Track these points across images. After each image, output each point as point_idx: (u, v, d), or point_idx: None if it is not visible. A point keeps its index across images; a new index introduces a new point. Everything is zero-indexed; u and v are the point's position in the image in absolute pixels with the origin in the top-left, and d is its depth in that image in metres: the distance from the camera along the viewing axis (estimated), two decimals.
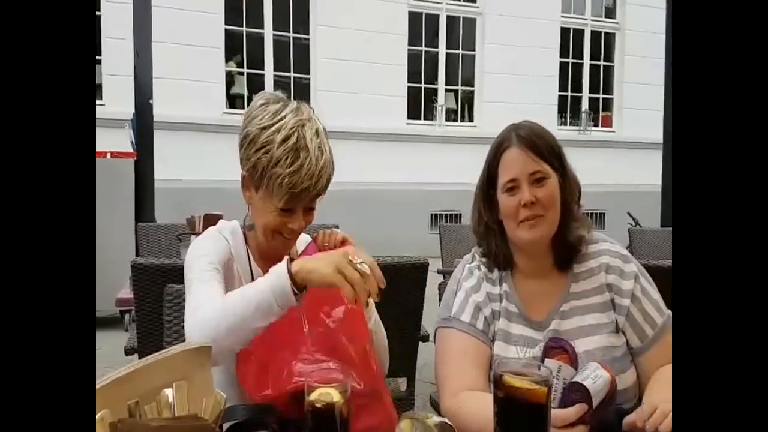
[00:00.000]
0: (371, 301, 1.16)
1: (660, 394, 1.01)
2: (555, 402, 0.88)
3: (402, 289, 1.68)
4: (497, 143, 1.15)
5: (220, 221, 1.21)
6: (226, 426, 0.91)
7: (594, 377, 0.89)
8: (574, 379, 0.90)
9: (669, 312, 1.15)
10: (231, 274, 1.13)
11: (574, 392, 0.88)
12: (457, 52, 7.43)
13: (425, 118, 7.36)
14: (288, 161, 1.03)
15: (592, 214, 7.53)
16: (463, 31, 7.44)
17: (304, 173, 1.03)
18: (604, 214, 7.53)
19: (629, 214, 5.64)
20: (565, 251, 1.15)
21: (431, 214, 7.08)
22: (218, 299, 0.98)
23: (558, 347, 0.96)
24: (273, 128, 1.05)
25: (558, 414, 0.85)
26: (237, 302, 0.94)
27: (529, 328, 1.14)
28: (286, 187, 1.04)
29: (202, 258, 1.09)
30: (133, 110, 4.33)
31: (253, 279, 1.14)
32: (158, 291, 1.48)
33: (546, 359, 0.95)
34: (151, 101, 4.29)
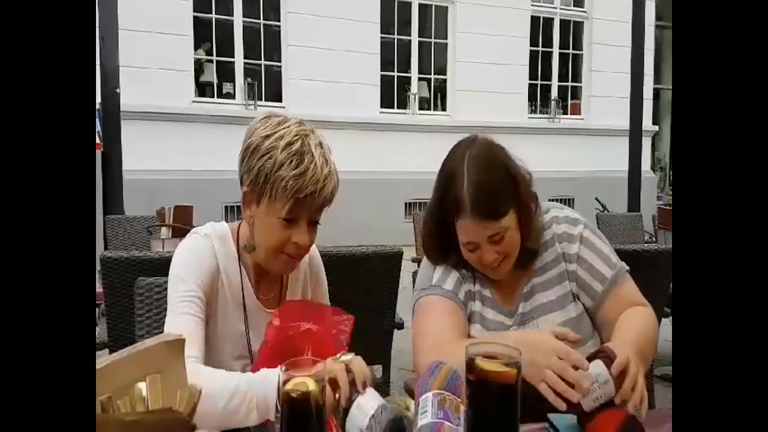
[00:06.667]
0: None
1: (626, 335, 1.02)
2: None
3: (376, 277, 1.70)
4: (450, 197, 1.06)
5: (210, 223, 1.16)
6: None
7: (606, 381, 0.88)
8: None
9: (622, 265, 1.16)
10: (214, 288, 1.09)
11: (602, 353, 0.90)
12: (429, 40, 7.43)
13: (399, 107, 7.36)
14: (292, 164, 1.00)
15: (561, 200, 7.69)
16: (435, 20, 7.43)
17: (308, 177, 1.00)
18: (572, 199, 7.68)
19: (597, 199, 5.78)
20: (527, 256, 1.14)
21: (405, 203, 7.11)
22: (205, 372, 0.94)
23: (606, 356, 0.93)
24: (276, 135, 1.02)
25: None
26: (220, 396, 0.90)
27: (501, 314, 1.16)
28: (291, 190, 1.00)
29: (179, 283, 1.05)
30: (99, 99, 4.21)
31: (243, 296, 1.12)
32: (128, 284, 1.45)
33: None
34: (117, 90, 4.17)
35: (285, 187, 1.00)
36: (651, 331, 1.09)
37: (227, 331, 1.10)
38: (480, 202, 1.03)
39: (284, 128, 1.04)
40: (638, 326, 1.07)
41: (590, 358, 0.92)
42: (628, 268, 1.17)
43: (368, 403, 0.88)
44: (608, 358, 0.90)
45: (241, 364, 1.10)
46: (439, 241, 1.14)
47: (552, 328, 1.00)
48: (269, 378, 0.91)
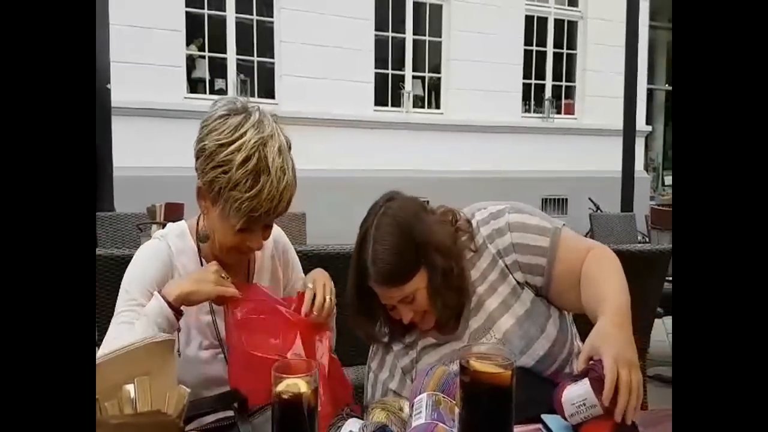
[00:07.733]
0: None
1: (608, 303, 0.96)
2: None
3: None
4: (361, 260, 1.06)
5: (169, 224, 1.17)
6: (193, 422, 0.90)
7: (594, 405, 0.85)
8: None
9: (555, 226, 1.12)
10: None
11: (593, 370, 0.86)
12: (423, 38, 7.41)
13: (392, 105, 7.34)
14: (247, 185, 0.97)
15: (554, 199, 7.71)
16: (429, 18, 7.42)
17: (264, 197, 0.98)
18: (566, 199, 7.71)
19: (590, 199, 5.80)
20: (450, 314, 1.10)
21: None
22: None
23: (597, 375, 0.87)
24: (232, 147, 0.98)
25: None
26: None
27: (450, 344, 1.11)
28: (245, 210, 0.98)
29: (124, 293, 1.07)
30: None
31: None
32: (118, 282, 1.43)
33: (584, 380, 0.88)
34: (108, 86, 4.12)
35: (239, 208, 0.98)
36: (621, 278, 1.04)
37: (192, 323, 1.10)
38: (380, 272, 1.04)
39: (241, 137, 0.98)
40: (610, 281, 1.02)
41: (580, 375, 0.88)
42: (562, 224, 1.13)
43: (352, 425, 0.88)
44: (598, 380, 0.84)
45: (211, 353, 1.10)
46: (362, 305, 1.11)
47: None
48: (153, 304, 0.99)
